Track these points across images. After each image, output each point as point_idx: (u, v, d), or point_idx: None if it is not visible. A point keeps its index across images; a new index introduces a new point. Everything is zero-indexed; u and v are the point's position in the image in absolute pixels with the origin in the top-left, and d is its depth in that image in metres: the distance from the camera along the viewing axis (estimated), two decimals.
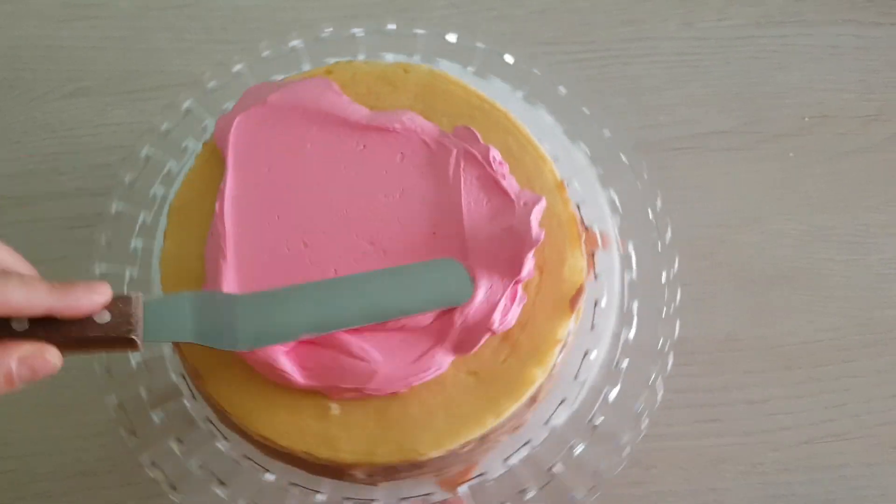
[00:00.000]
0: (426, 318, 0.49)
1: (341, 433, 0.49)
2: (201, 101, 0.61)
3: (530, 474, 0.53)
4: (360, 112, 0.54)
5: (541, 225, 0.51)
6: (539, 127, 0.57)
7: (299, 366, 0.48)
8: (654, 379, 0.54)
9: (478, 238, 0.51)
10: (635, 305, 0.56)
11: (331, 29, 0.62)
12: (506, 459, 0.53)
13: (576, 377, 0.54)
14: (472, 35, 0.62)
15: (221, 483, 0.52)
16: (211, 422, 0.53)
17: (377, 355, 0.48)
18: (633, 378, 0.54)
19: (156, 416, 0.54)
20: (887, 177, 0.69)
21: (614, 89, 0.71)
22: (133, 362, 0.55)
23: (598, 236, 0.57)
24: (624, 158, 0.59)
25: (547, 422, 0.53)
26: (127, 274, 0.57)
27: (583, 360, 0.54)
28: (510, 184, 0.52)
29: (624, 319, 0.55)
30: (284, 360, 0.48)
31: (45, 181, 0.68)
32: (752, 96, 0.71)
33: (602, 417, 0.54)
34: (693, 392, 0.63)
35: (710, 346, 0.64)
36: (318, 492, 0.52)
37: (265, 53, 0.62)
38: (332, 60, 0.59)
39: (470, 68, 0.61)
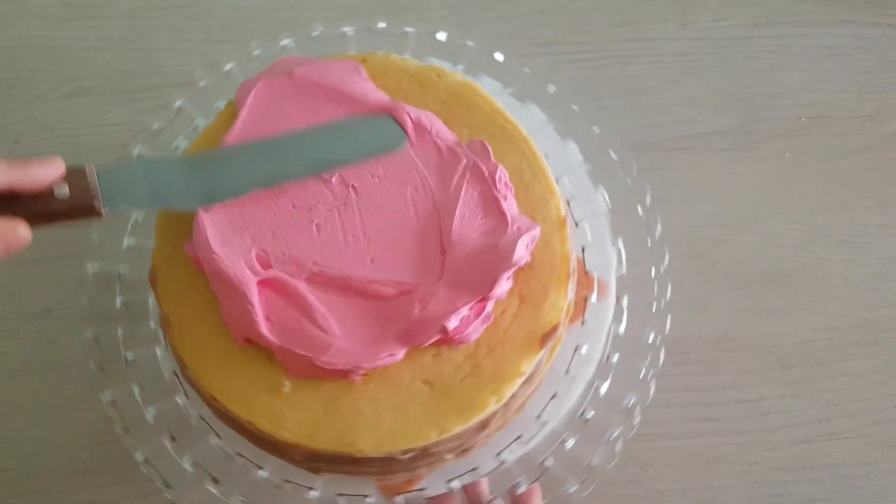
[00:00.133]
0: (388, 289, 0.50)
1: (288, 411, 0.49)
2: (193, 101, 0.61)
3: (522, 468, 0.53)
4: (381, 99, 0.54)
5: (533, 256, 0.51)
6: (529, 124, 0.57)
7: (265, 312, 0.49)
8: (645, 373, 0.54)
9: (462, 245, 0.51)
10: (625, 300, 0.56)
11: (322, 28, 0.63)
12: (498, 454, 0.53)
13: (566, 372, 0.54)
14: (462, 34, 0.62)
15: (215, 480, 0.53)
16: (204, 419, 0.54)
17: (336, 329, 0.49)
18: (624, 372, 0.54)
19: (149, 414, 0.54)
20: (884, 177, 0.69)
21: (612, 89, 0.71)
22: (126, 359, 0.55)
23: (596, 282, 0.56)
24: (613, 155, 0.60)
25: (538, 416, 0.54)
26: (119, 270, 0.58)
27: (585, 306, 0.55)
28: (510, 206, 0.52)
29: (615, 315, 0.56)
30: (256, 297, 0.49)
31: None
32: (749, 96, 0.71)
33: (593, 411, 0.54)
34: (689, 391, 0.63)
35: (706, 346, 0.64)
36: (311, 489, 0.52)
37: (256, 52, 0.62)
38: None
39: (460, 66, 0.61)
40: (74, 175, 0.46)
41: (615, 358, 0.55)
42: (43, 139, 0.70)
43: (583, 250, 0.57)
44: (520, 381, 0.50)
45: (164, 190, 0.49)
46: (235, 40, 0.72)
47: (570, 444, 0.53)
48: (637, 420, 0.54)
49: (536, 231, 0.51)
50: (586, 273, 0.56)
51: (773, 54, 0.73)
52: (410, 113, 0.53)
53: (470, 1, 0.74)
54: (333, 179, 0.52)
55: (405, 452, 0.49)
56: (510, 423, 0.53)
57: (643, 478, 0.61)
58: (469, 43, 0.62)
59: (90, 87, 0.71)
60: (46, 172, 0.45)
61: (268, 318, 0.49)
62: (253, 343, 0.50)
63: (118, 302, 0.56)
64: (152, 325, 0.56)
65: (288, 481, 0.53)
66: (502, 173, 0.53)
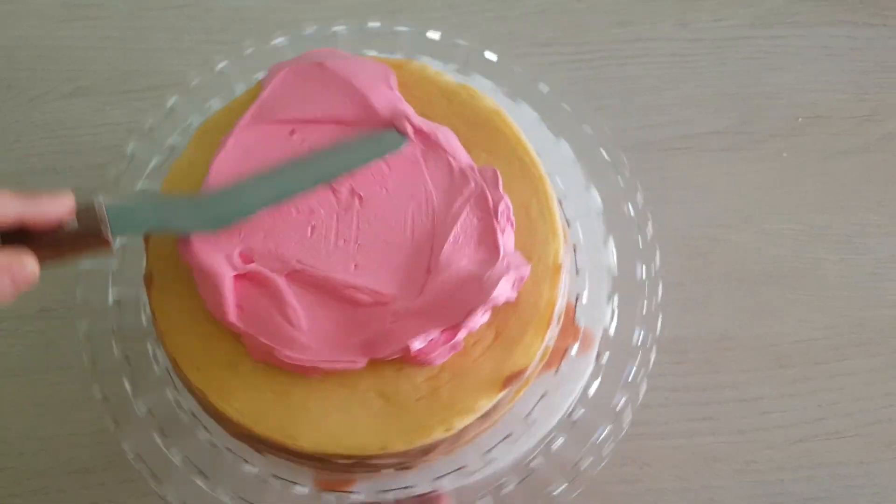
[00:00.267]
0: (365, 297, 0.50)
1: (239, 390, 0.49)
2: (186, 99, 0.61)
3: (509, 468, 0.53)
4: (392, 110, 0.54)
5: (519, 296, 0.50)
6: (522, 123, 0.57)
7: (238, 301, 0.49)
8: (634, 374, 0.54)
9: (447, 269, 0.50)
10: (616, 300, 0.56)
11: (315, 27, 0.63)
12: (486, 452, 0.53)
13: (527, 416, 0.54)
14: (455, 32, 0.62)
15: (203, 474, 0.53)
16: (194, 414, 0.54)
17: (304, 326, 0.49)
18: (613, 373, 0.54)
19: (139, 408, 0.54)
20: (881, 177, 0.69)
21: (611, 90, 0.71)
22: (116, 352, 0.55)
23: (582, 333, 0.55)
24: (605, 155, 0.60)
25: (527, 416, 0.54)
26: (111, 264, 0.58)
27: (563, 355, 0.54)
28: (506, 240, 0.51)
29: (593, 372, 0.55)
30: (229, 287, 0.49)
31: (44, 181, 0.68)
32: (746, 97, 0.71)
33: (582, 410, 0.54)
34: (687, 391, 0.63)
35: (705, 345, 0.64)
36: (297, 483, 0.53)
37: (248, 51, 0.63)
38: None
39: (452, 65, 0.61)
40: (83, 208, 0.45)
41: (604, 359, 0.54)
42: (42, 139, 0.70)
43: (576, 299, 0.56)
44: (473, 417, 0.49)
45: (172, 217, 0.49)
46: (235, 41, 0.71)
47: (558, 443, 0.53)
48: (627, 420, 0.54)
49: (526, 271, 0.50)
50: (574, 323, 0.55)
51: (771, 55, 0.73)
52: (423, 127, 0.53)
53: (469, 1, 0.74)
54: (342, 188, 0.52)
55: (341, 457, 0.49)
56: (455, 452, 0.53)
57: (641, 477, 0.61)
58: (461, 41, 0.62)
59: (90, 87, 0.71)
60: (56, 206, 0.44)
61: (240, 307, 0.49)
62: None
63: (110, 298, 0.57)
64: (144, 321, 0.56)
65: (276, 476, 0.53)
66: (506, 206, 0.51)
